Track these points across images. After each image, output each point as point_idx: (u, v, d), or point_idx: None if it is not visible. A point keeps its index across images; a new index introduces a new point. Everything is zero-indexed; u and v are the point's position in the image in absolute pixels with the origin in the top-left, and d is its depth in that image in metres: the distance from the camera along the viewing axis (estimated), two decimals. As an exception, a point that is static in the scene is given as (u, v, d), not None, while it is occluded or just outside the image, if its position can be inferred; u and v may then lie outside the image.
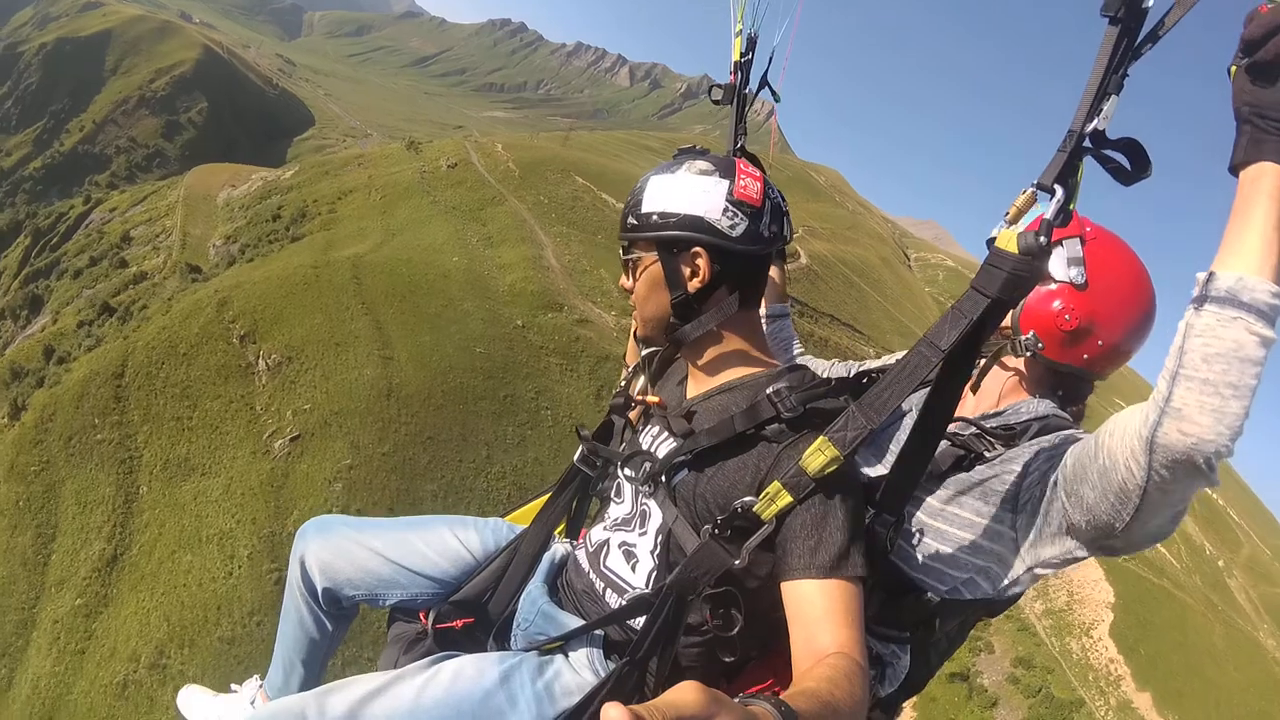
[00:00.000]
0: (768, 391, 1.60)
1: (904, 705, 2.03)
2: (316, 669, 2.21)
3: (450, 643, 1.92)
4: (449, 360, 39.77)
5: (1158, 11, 1.30)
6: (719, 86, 2.55)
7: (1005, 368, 2.04)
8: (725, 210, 1.64)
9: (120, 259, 58.42)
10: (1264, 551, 77.30)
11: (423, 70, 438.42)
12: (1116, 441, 1.43)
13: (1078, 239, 1.91)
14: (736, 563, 1.48)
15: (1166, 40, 1.33)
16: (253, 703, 2.31)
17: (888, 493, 1.60)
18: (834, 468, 1.44)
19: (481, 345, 42.04)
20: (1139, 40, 1.33)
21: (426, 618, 1.97)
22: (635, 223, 1.72)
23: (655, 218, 1.68)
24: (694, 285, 1.69)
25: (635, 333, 2.03)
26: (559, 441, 38.61)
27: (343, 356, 37.84)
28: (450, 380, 38.79)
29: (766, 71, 2.50)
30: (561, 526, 2.13)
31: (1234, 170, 1.32)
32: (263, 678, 2.34)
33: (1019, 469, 1.73)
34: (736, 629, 1.52)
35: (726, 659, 1.61)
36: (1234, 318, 1.25)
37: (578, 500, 2.13)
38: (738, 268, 1.70)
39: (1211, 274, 1.29)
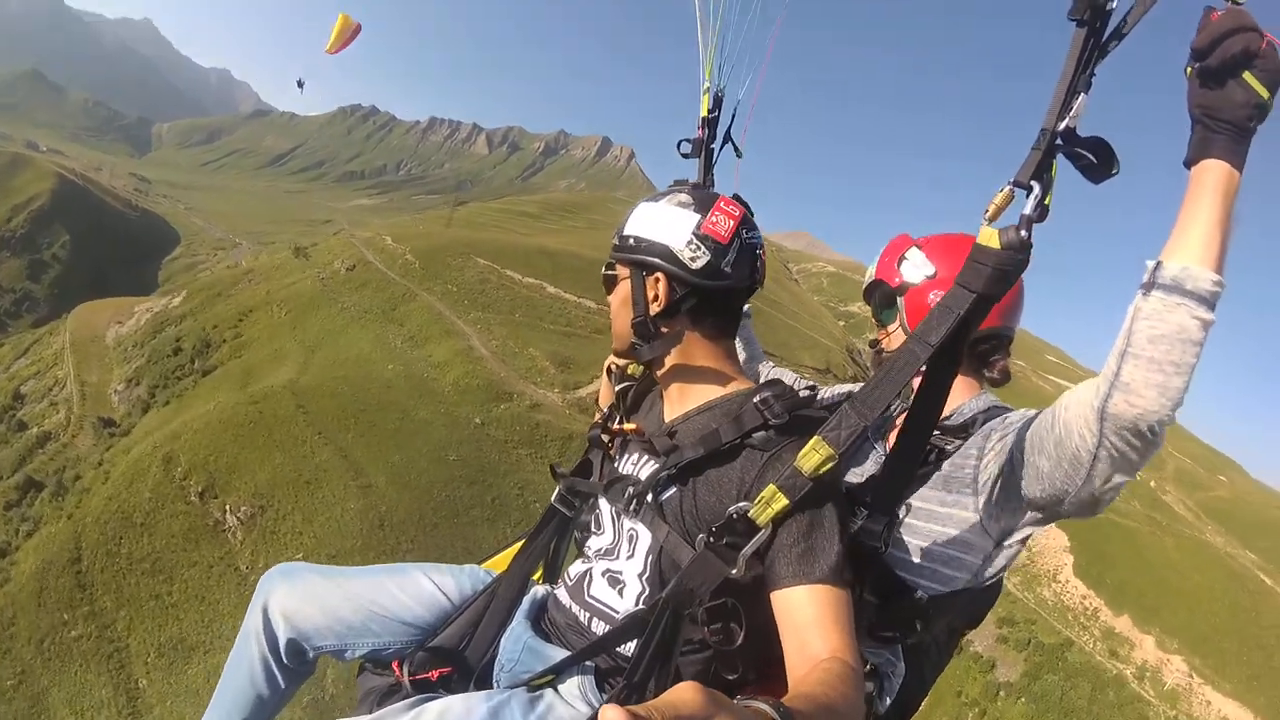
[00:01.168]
0: (754, 400, 1.60)
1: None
2: None
3: (428, 694, 1.79)
4: (427, 476, 37.87)
5: (1119, 12, 1.36)
6: (688, 141, 2.61)
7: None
8: (689, 242, 1.68)
9: (17, 421, 51.78)
10: (1186, 461, 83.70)
11: (280, 168, 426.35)
12: (1071, 414, 1.51)
13: (914, 248, 2.14)
14: (734, 572, 1.45)
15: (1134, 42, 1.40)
16: None
17: (879, 494, 1.62)
18: (830, 465, 1.43)
19: (452, 452, 40.35)
20: (1105, 39, 1.37)
21: (400, 668, 1.88)
22: (617, 242, 1.78)
23: (631, 240, 1.74)
24: (653, 309, 1.72)
25: (609, 368, 2.06)
26: (553, 536, 37.14)
27: (319, 494, 35.26)
28: (436, 496, 36.92)
29: (729, 128, 2.58)
30: (540, 571, 2.09)
31: (1187, 165, 1.40)
32: None
33: (975, 453, 1.83)
34: (738, 642, 1.49)
35: (728, 676, 1.58)
36: (1178, 304, 1.34)
37: (556, 542, 2.08)
38: (698, 299, 1.72)
39: (1159, 263, 1.37)
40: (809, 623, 1.39)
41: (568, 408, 48.64)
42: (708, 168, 2.62)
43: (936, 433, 1.91)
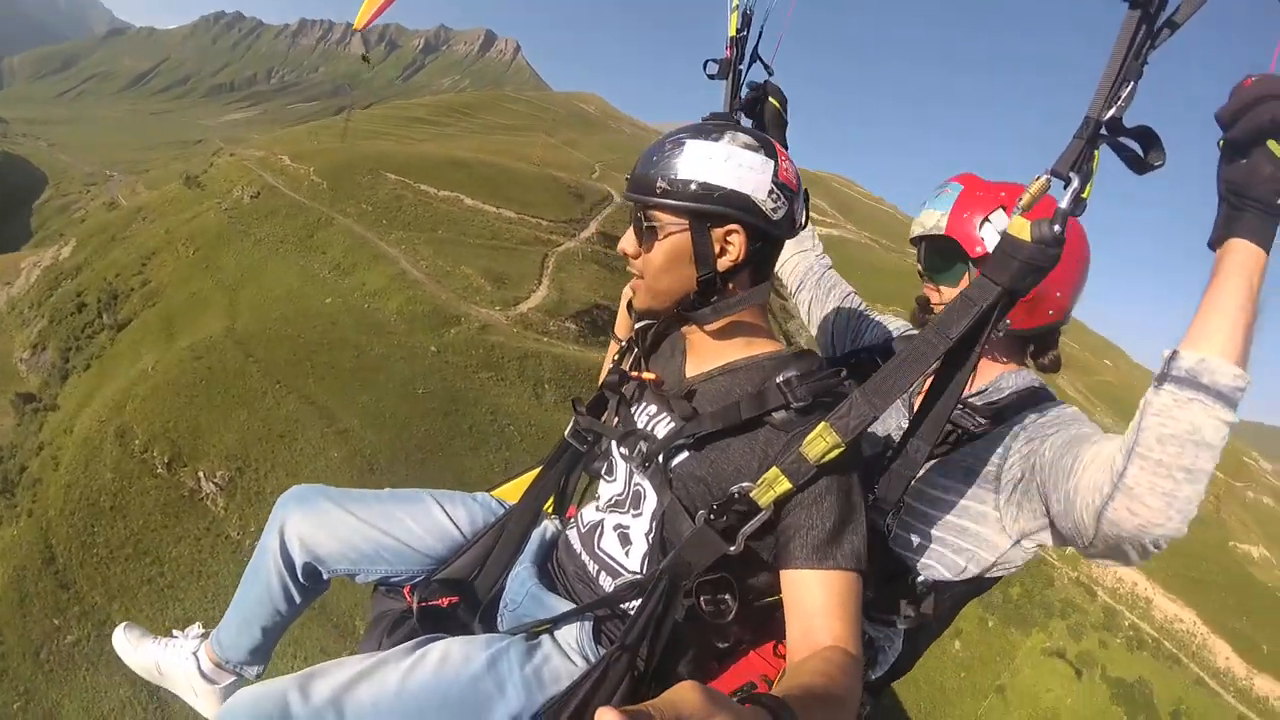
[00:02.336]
0: (777, 381, 1.47)
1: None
2: (274, 637, 2.05)
3: (435, 622, 1.78)
4: (401, 413, 35.43)
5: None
6: (714, 61, 2.38)
7: None
8: (770, 192, 1.49)
9: (-81, 413, 45.27)
10: (1073, 345, 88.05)
11: (143, 89, 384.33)
12: (1084, 483, 1.38)
13: (1001, 210, 1.83)
14: (732, 549, 1.39)
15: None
16: (195, 653, 2.09)
17: (888, 480, 1.55)
18: (835, 454, 1.34)
19: (418, 385, 37.83)
20: (1157, 26, 1.22)
21: (411, 595, 1.84)
22: (667, 188, 1.49)
23: (695, 187, 1.47)
24: (724, 264, 1.52)
25: (630, 305, 1.83)
26: (536, 452, 35.70)
27: (297, 446, 32.45)
28: (415, 432, 34.68)
29: (757, 45, 2.36)
30: (550, 503, 1.98)
31: (1211, 247, 1.28)
32: (205, 627, 2.17)
33: (1001, 450, 1.68)
34: (730, 616, 1.42)
35: (720, 645, 1.57)
36: (1190, 399, 1.19)
37: (567, 476, 1.98)
38: (767, 251, 1.57)
39: (1175, 353, 1.24)
40: (817, 609, 1.34)
41: (513, 325, 46.35)
42: (735, 90, 2.35)
43: (961, 409, 1.75)
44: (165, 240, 56.09)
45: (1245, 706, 40.68)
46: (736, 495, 1.41)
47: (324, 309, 43.74)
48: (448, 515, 1.92)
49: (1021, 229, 1.31)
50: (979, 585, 1.81)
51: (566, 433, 1.91)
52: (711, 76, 2.40)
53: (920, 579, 1.73)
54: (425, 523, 1.90)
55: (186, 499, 30.63)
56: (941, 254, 1.93)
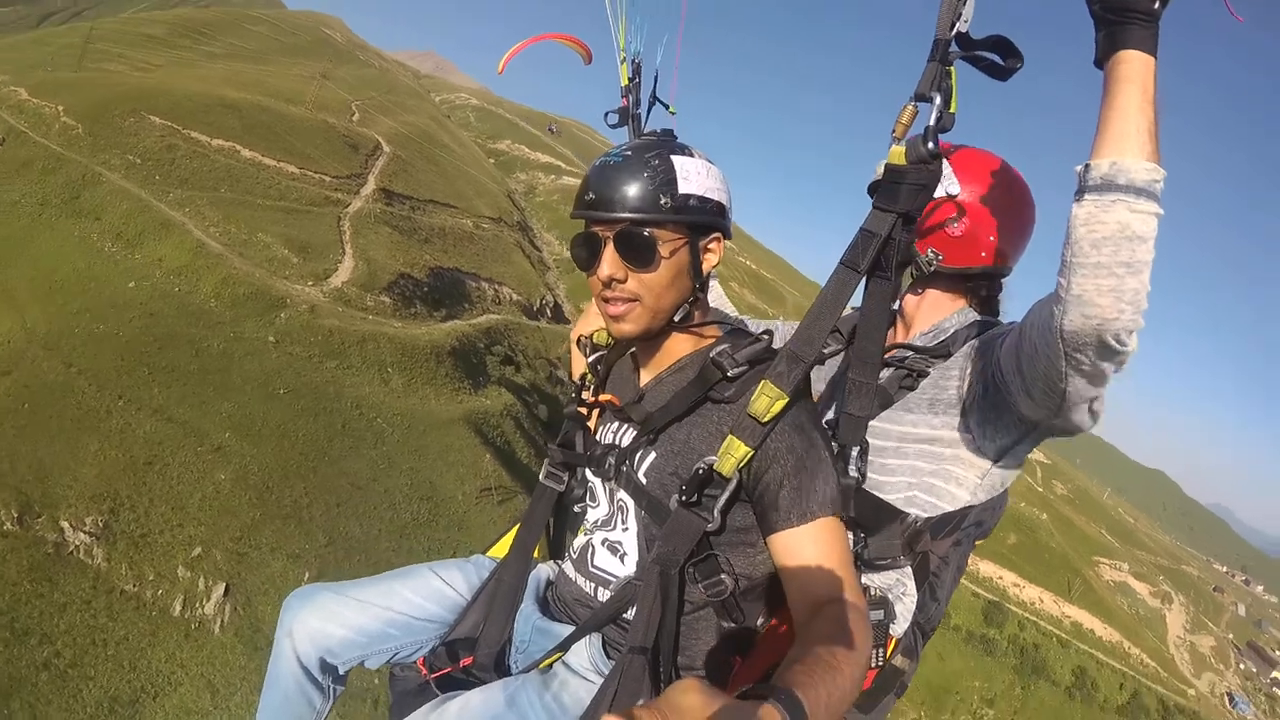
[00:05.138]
0: (710, 356, 1.45)
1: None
2: None
3: (453, 687, 1.67)
4: (273, 419, 31.46)
5: None
6: (613, 112, 2.39)
7: (917, 292, 1.92)
8: (729, 200, 1.51)
9: None
10: None
11: None
12: (1036, 334, 1.35)
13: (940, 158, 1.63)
14: (710, 525, 1.36)
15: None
16: None
17: (845, 426, 1.54)
18: (780, 406, 1.32)
19: (277, 384, 33.83)
20: None
21: (424, 666, 1.75)
22: (673, 204, 1.40)
23: (694, 201, 1.42)
24: (706, 269, 1.51)
25: (578, 339, 1.84)
26: (410, 444, 34.17)
27: (171, 474, 27.57)
28: (295, 438, 31.14)
29: (654, 91, 2.35)
30: (542, 546, 1.88)
31: (1099, 64, 1.23)
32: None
33: (956, 373, 1.66)
34: (728, 593, 1.41)
35: (727, 624, 1.46)
36: (1113, 201, 1.17)
37: (553, 518, 1.86)
38: None
39: (1087, 165, 1.21)
40: (806, 565, 1.30)
41: (333, 303, 41.95)
42: (638, 133, 2.36)
43: (913, 354, 1.75)
44: (-124, 200, 42.28)
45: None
46: (701, 470, 1.36)
47: (132, 296, 36.28)
48: (444, 581, 1.82)
49: (898, 155, 1.34)
50: (979, 517, 1.74)
51: (541, 475, 1.82)
52: (613, 126, 2.37)
53: (909, 517, 1.67)
54: (423, 591, 1.80)
55: (53, 556, 25.24)
56: None
